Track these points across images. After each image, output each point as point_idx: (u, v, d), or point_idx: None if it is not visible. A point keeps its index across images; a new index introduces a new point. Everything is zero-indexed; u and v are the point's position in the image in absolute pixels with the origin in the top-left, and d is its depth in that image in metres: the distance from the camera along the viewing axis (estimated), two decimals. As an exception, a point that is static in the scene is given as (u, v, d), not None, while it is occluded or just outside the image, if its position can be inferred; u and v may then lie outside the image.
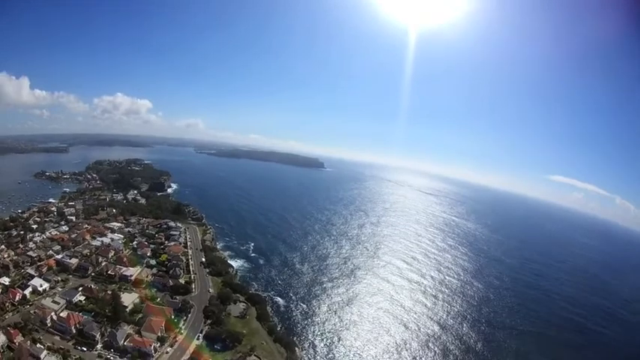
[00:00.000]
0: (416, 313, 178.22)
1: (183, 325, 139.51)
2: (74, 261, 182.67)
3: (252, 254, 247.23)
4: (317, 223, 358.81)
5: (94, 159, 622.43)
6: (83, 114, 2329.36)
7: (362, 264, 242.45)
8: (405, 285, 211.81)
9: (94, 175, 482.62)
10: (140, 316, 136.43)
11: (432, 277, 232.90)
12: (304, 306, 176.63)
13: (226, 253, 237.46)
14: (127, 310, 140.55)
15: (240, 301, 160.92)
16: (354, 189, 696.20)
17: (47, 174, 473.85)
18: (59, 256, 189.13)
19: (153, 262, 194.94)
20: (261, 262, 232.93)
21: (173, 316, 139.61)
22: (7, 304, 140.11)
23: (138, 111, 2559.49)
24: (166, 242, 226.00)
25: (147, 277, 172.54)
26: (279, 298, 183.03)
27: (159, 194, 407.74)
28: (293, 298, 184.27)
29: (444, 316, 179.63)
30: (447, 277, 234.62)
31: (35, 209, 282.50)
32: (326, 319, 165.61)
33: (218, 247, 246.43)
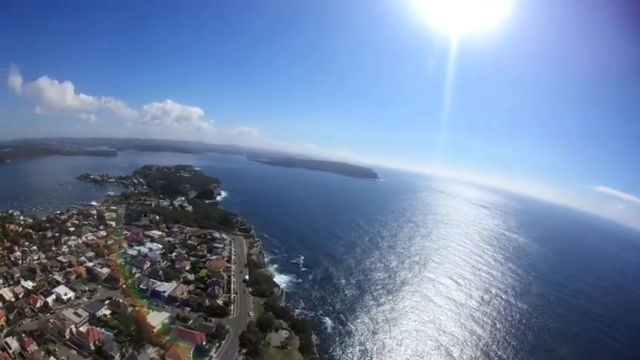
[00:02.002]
0: (461, 339, 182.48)
1: (215, 353, 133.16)
2: (105, 270, 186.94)
3: (302, 269, 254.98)
4: (368, 235, 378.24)
5: (142, 164, 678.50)
6: (132, 119, 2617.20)
7: (409, 281, 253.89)
8: (451, 307, 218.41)
9: (141, 180, 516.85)
10: (167, 338, 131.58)
11: (480, 298, 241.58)
12: (352, 327, 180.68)
13: (274, 267, 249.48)
14: (154, 330, 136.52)
15: (283, 328, 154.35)
16: (406, 200, 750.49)
17: (91, 177, 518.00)
18: (90, 264, 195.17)
19: (191, 277, 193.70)
20: (311, 277, 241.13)
21: (205, 342, 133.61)
22: (27, 309, 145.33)
23: (189, 118, 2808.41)
24: (208, 255, 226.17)
25: (182, 294, 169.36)
26: (327, 318, 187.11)
27: (207, 202, 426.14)
28: (342, 318, 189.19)
29: (490, 343, 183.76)
30: (494, 299, 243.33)
31: (75, 211, 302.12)
32: (377, 346, 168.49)
33: (266, 259, 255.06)
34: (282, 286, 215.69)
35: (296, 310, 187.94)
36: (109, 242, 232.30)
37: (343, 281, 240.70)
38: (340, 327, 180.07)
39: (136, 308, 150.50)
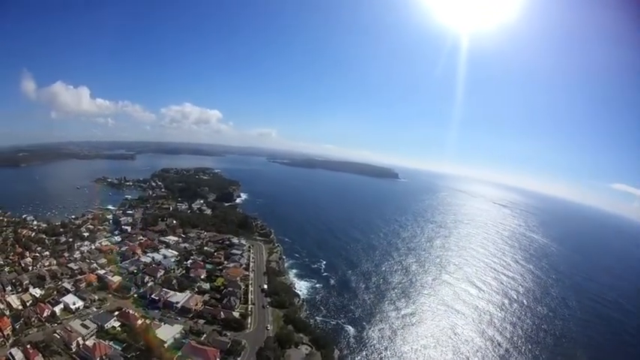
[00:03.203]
0: (482, 347, 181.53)
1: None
2: (116, 279, 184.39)
3: (324, 274, 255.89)
4: (390, 238, 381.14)
5: (161, 166, 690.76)
6: (151, 123, 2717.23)
7: (430, 285, 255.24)
8: (472, 313, 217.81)
9: (159, 183, 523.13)
10: (179, 354, 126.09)
11: (500, 302, 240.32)
12: (374, 336, 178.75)
13: (294, 272, 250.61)
14: (165, 345, 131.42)
15: (304, 343, 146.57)
16: (427, 200, 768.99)
17: (109, 180, 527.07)
18: (102, 272, 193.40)
19: (206, 286, 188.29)
20: (332, 283, 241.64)
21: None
22: (34, 319, 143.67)
23: (208, 120, 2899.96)
24: (225, 262, 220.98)
25: (196, 305, 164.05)
26: (349, 327, 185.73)
27: (227, 205, 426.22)
28: (365, 326, 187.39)
29: (511, 349, 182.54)
30: (514, 304, 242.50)
31: (90, 216, 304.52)
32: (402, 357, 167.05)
33: (286, 264, 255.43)
34: (303, 292, 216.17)
35: (317, 318, 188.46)
36: (123, 249, 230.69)
37: (364, 286, 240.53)
38: (362, 336, 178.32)
39: (147, 321, 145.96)
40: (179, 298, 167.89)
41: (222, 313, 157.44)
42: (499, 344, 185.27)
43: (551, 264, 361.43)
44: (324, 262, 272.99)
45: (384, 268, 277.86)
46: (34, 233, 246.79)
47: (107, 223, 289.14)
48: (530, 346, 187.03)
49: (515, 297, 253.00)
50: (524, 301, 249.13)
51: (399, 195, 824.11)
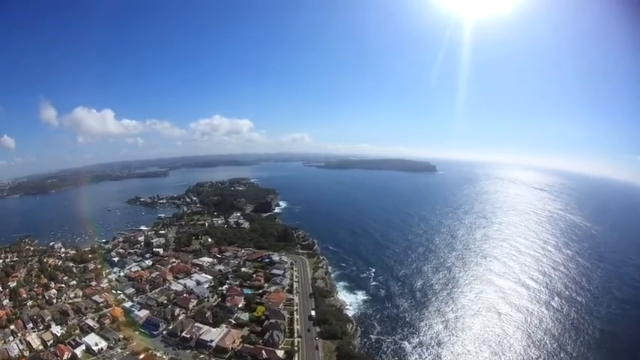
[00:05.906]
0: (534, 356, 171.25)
1: None
2: (143, 313, 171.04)
3: (373, 283, 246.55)
4: (433, 234, 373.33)
5: (195, 181, 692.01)
6: (181, 138, 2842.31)
7: (474, 286, 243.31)
8: (518, 315, 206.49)
9: (194, 198, 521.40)
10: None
11: (546, 300, 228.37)
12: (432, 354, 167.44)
13: (342, 284, 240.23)
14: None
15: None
16: (466, 190, 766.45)
17: (141, 199, 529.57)
18: (128, 304, 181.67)
19: (244, 317, 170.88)
20: (382, 293, 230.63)
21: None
22: None
23: (239, 130, 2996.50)
24: (266, 285, 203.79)
25: (233, 342, 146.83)
26: (406, 343, 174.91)
27: (265, 215, 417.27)
28: (422, 341, 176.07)
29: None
30: (562, 300, 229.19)
31: (121, 239, 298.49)
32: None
33: (333, 276, 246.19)
34: (354, 306, 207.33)
35: (372, 337, 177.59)
36: (153, 275, 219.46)
37: (413, 294, 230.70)
38: (421, 353, 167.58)
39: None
40: (213, 335, 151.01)
41: (263, 352, 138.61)
42: (548, 349, 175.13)
43: (592, 246, 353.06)
44: (373, 270, 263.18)
45: (429, 274, 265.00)
46: (60, 261, 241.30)
47: (138, 245, 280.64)
48: (581, 347, 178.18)
49: (561, 289, 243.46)
50: (571, 293, 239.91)
51: (437, 188, 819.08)
